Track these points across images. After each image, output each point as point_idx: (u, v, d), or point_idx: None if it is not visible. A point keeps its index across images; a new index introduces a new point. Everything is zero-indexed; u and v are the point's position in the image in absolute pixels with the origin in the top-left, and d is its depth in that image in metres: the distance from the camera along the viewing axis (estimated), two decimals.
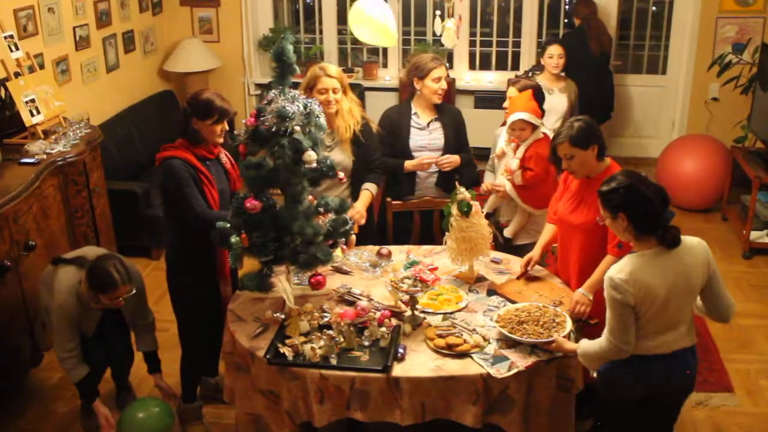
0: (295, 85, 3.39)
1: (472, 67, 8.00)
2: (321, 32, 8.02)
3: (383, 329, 3.29)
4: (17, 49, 4.77)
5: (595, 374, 3.23)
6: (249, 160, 3.29)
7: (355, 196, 4.20)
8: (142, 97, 7.06)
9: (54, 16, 5.72)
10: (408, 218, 4.57)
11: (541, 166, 4.21)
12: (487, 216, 4.39)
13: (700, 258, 3.04)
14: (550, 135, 4.34)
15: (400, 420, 3.13)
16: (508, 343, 3.27)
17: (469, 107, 7.53)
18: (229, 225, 3.37)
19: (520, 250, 4.21)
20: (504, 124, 4.48)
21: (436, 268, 3.66)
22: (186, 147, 3.70)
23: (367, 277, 3.85)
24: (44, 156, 4.50)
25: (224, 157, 3.89)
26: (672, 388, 3.13)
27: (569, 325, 3.31)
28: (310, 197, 3.44)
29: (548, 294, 3.67)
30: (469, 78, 7.88)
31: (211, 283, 3.84)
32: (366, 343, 3.28)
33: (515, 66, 7.92)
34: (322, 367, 3.15)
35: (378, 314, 3.38)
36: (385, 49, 8.00)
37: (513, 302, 3.59)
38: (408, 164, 4.47)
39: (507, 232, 4.41)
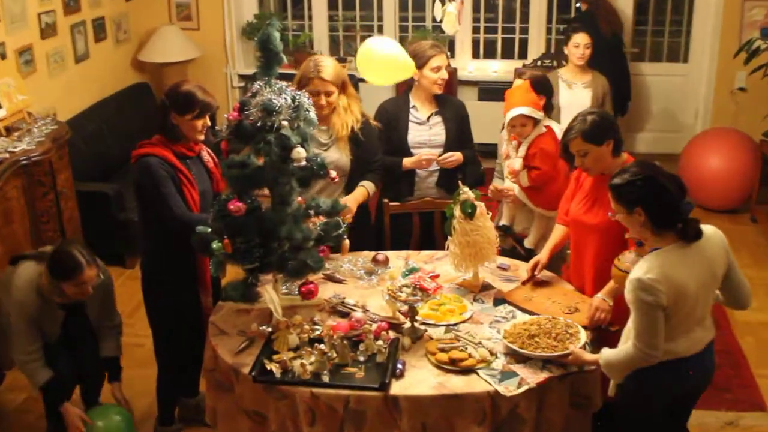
0: (282, 76, 3.38)
1: (475, 55, 8.01)
2: (310, 18, 8.03)
3: (380, 343, 3.27)
4: None
5: (612, 392, 3.23)
6: (232, 159, 3.29)
7: None
8: (114, 90, 7.05)
9: (17, 1, 5.71)
10: (407, 221, 4.56)
11: (548, 163, 4.21)
12: (506, 228, 4.39)
13: (718, 247, 3.11)
14: (554, 128, 4.35)
15: None
16: (517, 357, 3.26)
17: (472, 99, 7.53)
18: (210, 229, 3.37)
19: (550, 263, 4.18)
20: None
21: (437, 276, 3.66)
22: (164, 144, 3.70)
23: (362, 286, 3.84)
24: (6, 155, 4.50)
25: (206, 155, 3.89)
26: (702, 386, 3.22)
27: (584, 335, 3.30)
28: (300, 198, 3.43)
29: (561, 300, 3.67)
30: (472, 68, 7.89)
31: (191, 294, 3.83)
32: (361, 359, 3.26)
33: (522, 54, 7.93)
34: (313, 385, 3.13)
35: (374, 326, 3.36)
36: None
37: (523, 310, 3.59)
38: (406, 162, 4.47)
39: (528, 243, 4.40)
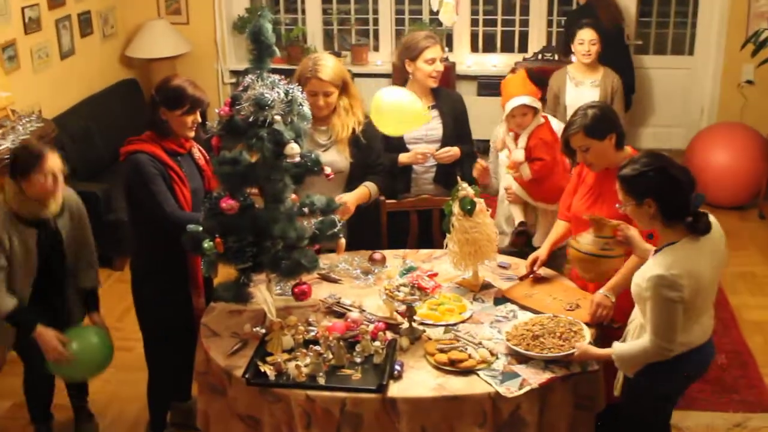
0: (274, 72, 3.38)
1: (474, 49, 8.03)
2: (303, 12, 8.04)
3: (377, 344, 3.28)
4: None
5: (618, 391, 3.25)
6: (224, 155, 3.29)
7: None
8: (101, 86, 7.06)
9: None
10: (404, 219, 4.57)
11: (550, 153, 4.23)
12: (522, 225, 4.39)
13: (720, 234, 3.19)
14: (550, 118, 4.37)
15: None
16: (519, 358, 3.27)
17: (471, 94, 7.55)
18: (201, 228, 3.37)
19: (552, 259, 4.21)
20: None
21: (436, 275, 3.67)
22: (154, 140, 3.71)
23: (359, 286, 3.85)
24: None
25: (197, 152, 3.90)
26: (703, 373, 3.32)
27: (588, 334, 3.32)
28: (293, 196, 3.44)
29: (562, 297, 3.69)
30: (470, 62, 7.91)
31: (182, 295, 3.83)
32: (358, 360, 3.27)
33: (523, 48, 7.95)
34: (308, 388, 3.14)
35: (371, 327, 3.37)
36: (375, 31, 8.03)
37: (524, 307, 3.61)
38: (402, 157, 4.47)
39: (536, 242, 4.40)
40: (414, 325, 3.46)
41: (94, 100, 6.81)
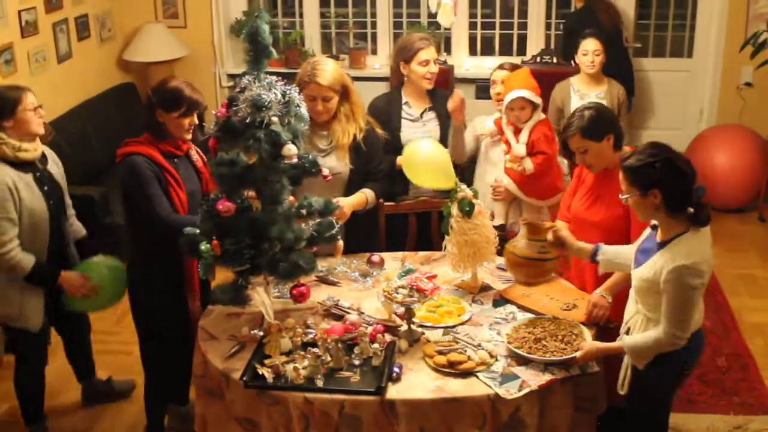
0: (272, 74, 3.37)
1: (472, 52, 8.02)
2: (301, 15, 8.03)
3: (376, 346, 3.27)
4: None
5: (625, 389, 3.24)
6: (221, 157, 3.28)
7: None
8: (98, 90, 7.04)
9: None
10: (402, 221, 4.56)
11: (551, 148, 4.24)
12: (502, 228, 4.38)
13: None
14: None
15: None
16: (518, 360, 3.26)
17: (469, 97, 7.50)
18: (198, 231, 3.36)
19: None
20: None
21: (434, 276, 3.66)
22: (150, 142, 3.71)
23: (357, 288, 3.84)
24: None
25: (195, 154, 3.90)
26: (701, 356, 3.39)
27: (588, 336, 3.31)
28: (291, 198, 3.43)
29: (560, 297, 3.69)
30: (469, 65, 7.89)
31: (178, 298, 3.83)
32: (356, 362, 3.27)
33: (521, 51, 7.94)
34: (306, 390, 3.13)
35: (369, 329, 3.37)
36: (374, 35, 8.02)
37: (522, 307, 3.61)
38: (400, 160, 4.45)
39: None
40: (413, 327, 3.45)
41: (91, 103, 6.80)
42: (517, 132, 4.30)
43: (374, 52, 8.03)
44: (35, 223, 3.82)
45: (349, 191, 4.12)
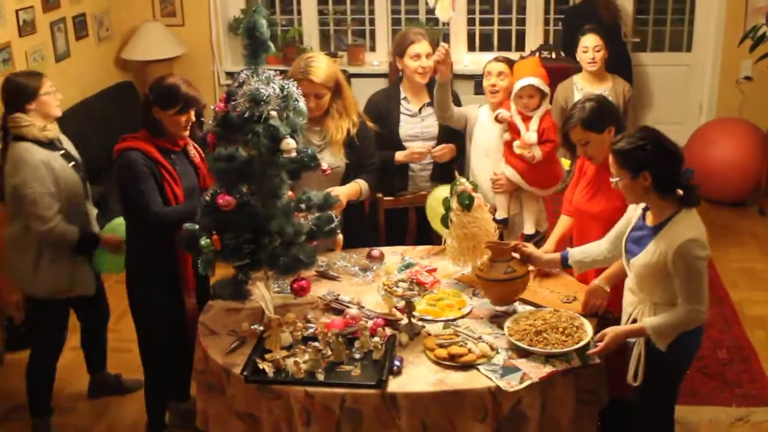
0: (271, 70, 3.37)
1: (471, 48, 8.02)
2: (299, 13, 8.03)
3: (376, 339, 3.27)
4: None
5: (639, 379, 3.25)
6: (219, 152, 3.28)
7: None
8: (96, 89, 7.04)
9: None
10: (402, 216, 4.56)
11: (557, 136, 4.24)
12: (505, 222, 4.37)
13: None
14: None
15: None
16: (519, 352, 3.26)
17: (468, 94, 7.51)
18: (197, 225, 3.36)
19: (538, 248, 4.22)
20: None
21: (434, 270, 3.66)
22: (147, 138, 3.71)
23: (357, 283, 3.84)
24: None
25: (192, 149, 3.89)
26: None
27: (589, 328, 3.31)
28: (290, 192, 3.43)
29: (561, 290, 3.70)
30: (467, 61, 7.89)
31: (174, 294, 3.83)
32: (357, 356, 3.26)
33: (520, 46, 7.94)
34: (307, 384, 3.13)
35: (370, 323, 3.36)
36: (372, 32, 8.02)
37: (523, 300, 3.60)
38: (398, 156, 4.46)
39: (528, 229, 4.39)
40: (413, 321, 3.45)
41: (89, 102, 6.79)
42: (524, 119, 4.27)
43: (373, 48, 8.03)
44: (72, 195, 4.01)
45: (344, 184, 4.11)
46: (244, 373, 3.18)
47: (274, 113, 3.21)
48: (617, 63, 6.26)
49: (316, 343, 3.24)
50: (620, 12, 7.19)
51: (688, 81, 7.81)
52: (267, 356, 3.24)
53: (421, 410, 3.09)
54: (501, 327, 3.39)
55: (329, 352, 3.24)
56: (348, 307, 3.58)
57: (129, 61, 7.52)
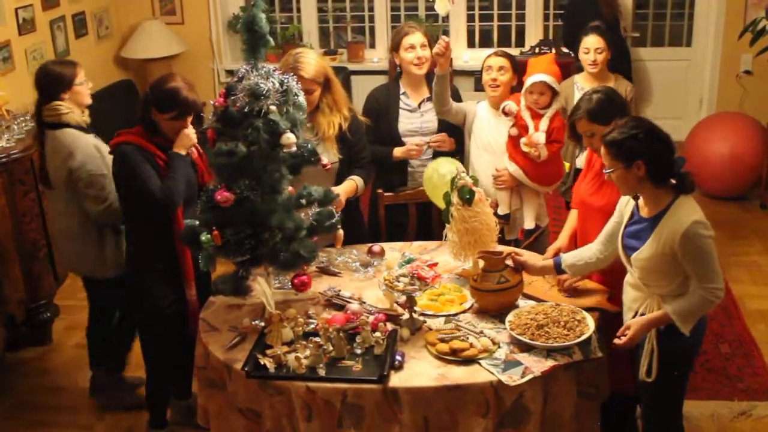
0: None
1: (471, 45, 8.02)
2: (299, 10, 8.02)
3: (377, 334, 3.25)
4: None
5: (653, 374, 3.23)
6: (219, 147, 3.26)
7: None
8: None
9: None
10: (402, 212, 4.54)
11: (564, 137, 4.23)
12: (505, 216, 4.34)
13: None
14: None
15: None
16: (521, 347, 3.24)
17: (468, 90, 7.52)
18: (197, 222, 3.35)
19: (539, 243, 4.22)
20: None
21: (435, 264, 3.64)
22: (142, 135, 3.70)
23: (358, 279, 3.82)
24: None
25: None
26: None
27: (591, 322, 3.29)
28: (290, 188, 3.41)
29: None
30: (467, 57, 7.88)
31: (175, 288, 3.81)
32: (358, 351, 3.25)
33: (520, 42, 7.94)
34: (308, 379, 3.11)
35: (371, 318, 3.35)
36: (371, 28, 8.01)
37: (525, 295, 3.58)
38: (397, 152, 4.43)
39: (528, 224, 4.36)
40: (414, 315, 3.43)
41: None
42: (534, 116, 4.24)
43: (372, 45, 8.02)
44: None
45: (339, 181, 4.11)
46: (246, 369, 3.16)
47: (273, 108, 3.19)
48: (618, 59, 6.24)
49: (317, 339, 3.23)
50: (620, 7, 7.17)
51: (688, 75, 7.80)
52: (268, 352, 3.23)
53: (423, 405, 3.08)
54: (502, 321, 3.38)
55: (330, 348, 3.22)
56: (349, 302, 3.56)
57: (129, 59, 7.52)
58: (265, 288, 3.39)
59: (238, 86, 3.21)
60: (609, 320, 3.42)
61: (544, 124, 4.21)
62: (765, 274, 5.70)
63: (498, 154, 4.37)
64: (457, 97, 4.57)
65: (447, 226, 3.76)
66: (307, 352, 3.18)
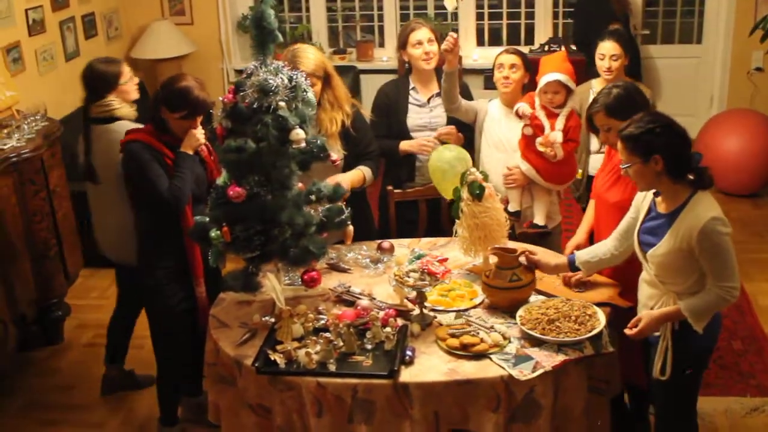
0: None
1: (480, 43, 8.01)
2: (308, 10, 8.04)
3: (388, 330, 3.25)
4: None
5: (668, 372, 3.22)
6: (229, 143, 3.26)
7: None
8: None
9: None
10: (411, 208, 4.53)
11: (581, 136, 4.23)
12: (515, 214, 4.33)
13: None
14: None
15: None
16: (531, 341, 3.24)
17: (478, 88, 7.50)
18: (207, 218, 3.35)
19: (550, 241, 4.21)
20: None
21: (446, 260, 3.63)
22: (152, 133, 3.72)
23: (368, 275, 3.82)
24: None
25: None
26: None
27: (602, 316, 3.28)
28: (300, 184, 3.41)
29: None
30: (477, 56, 7.88)
31: (185, 284, 3.82)
32: (368, 346, 3.25)
33: (529, 41, 7.93)
34: (319, 375, 3.12)
35: (381, 314, 3.34)
36: (381, 27, 8.02)
37: (534, 290, 3.57)
38: (404, 145, 4.43)
39: (539, 221, 4.34)
40: (425, 311, 3.43)
41: None
42: (549, 116, 4.21)
43: (382, 44, 8.03)
44: None
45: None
46: (256, 365, 3.17)
47: (282, 104, 3.19)
48: (630, 62, 6.24)
49: (327, 334, 3.23)
50: (630, 4, 7.16)
51: (699, 73, 7.77)
52: (278, 348, 3.23)
53: (434, 400, 3.08)
54: (513, 316, 3.37)
55: (341, 343, 3.23)
56: (359, 298, 3.57)
57: (138, 60, 7.53)
58: (275, 284, 3.40)
59: (247, 82, 3.21)
60: (620, 315, 3.41)
61: (560, 123, 4.19)
62: None
63: (509, 152, 4.35)
64: (468, 95, 4.56)
65: (457, 221, 3.75)
66: (318, 348, 3.18)
